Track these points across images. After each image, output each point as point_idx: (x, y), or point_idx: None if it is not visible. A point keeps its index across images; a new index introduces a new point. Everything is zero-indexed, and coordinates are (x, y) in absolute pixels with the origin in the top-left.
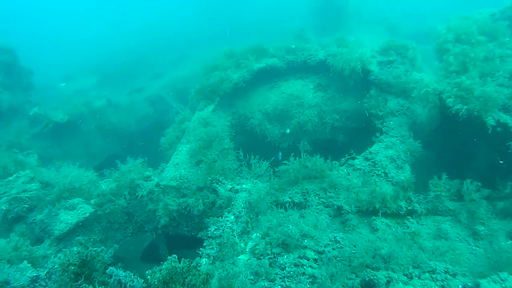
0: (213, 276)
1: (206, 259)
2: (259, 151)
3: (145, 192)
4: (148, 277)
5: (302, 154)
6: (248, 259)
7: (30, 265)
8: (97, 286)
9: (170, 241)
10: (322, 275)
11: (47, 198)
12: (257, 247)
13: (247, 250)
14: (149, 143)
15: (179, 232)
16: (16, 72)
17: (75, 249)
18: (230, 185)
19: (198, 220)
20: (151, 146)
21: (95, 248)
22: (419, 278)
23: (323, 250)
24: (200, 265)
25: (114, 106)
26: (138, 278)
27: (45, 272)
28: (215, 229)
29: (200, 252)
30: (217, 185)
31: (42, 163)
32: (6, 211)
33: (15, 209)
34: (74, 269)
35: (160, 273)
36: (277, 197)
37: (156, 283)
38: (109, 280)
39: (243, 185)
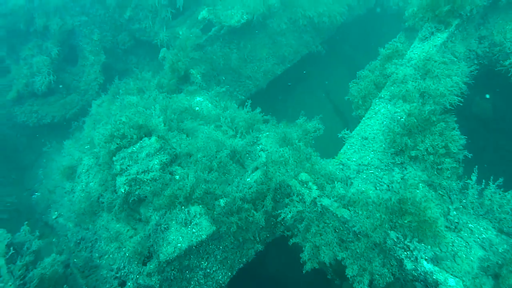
0: None
1: None
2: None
3: (289, 215)
4: None
5: None
6: None
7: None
8: None
9: None
10: None
11: (159, 200)
12: None
13: None
14: (357, 40)
15: None
16: None
17: None
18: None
19: None
20: (360, 44)
21: None
22: None
23: None
24: None
25: None
26: None
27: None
28: None
29: None
30: (406, 254)
31: (206, 81)
32: (127, 194)
33: (137, 192)
34: None
35: None
36: None
37: None
38: None
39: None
